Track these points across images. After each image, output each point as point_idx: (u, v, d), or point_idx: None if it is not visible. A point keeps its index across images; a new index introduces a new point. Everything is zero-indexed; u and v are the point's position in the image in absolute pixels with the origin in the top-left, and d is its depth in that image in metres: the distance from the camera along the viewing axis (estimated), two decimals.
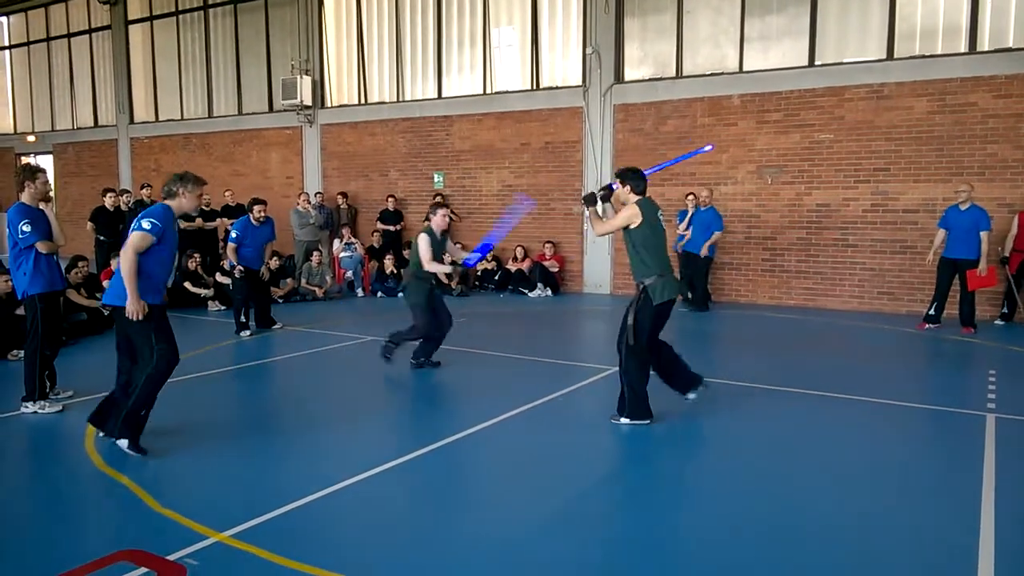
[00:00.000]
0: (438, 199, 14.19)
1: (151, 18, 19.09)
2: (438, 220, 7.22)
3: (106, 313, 7.77)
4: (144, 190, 13.64)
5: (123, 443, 4.86)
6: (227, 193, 14.29)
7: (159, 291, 4.99)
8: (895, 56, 11.02)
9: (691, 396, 5.83)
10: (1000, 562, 3.49)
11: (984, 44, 10.54)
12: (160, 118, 19.23)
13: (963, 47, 10.64)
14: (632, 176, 5.56)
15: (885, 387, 6.73)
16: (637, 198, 5.54)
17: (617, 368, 5.75)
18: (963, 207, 9.44)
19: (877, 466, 4.84)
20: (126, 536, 3.80)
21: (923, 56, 10.84)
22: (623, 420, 5.58)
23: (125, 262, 4.73)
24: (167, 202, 4.99)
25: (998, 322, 10.11)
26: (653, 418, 5.56)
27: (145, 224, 4.77)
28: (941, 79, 10.63)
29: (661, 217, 5.61)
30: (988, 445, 5.15)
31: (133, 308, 4.74)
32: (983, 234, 9.23)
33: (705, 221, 11.25)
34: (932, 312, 9.72)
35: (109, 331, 9.37)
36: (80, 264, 9.67)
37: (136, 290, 4.75)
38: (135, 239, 4.75)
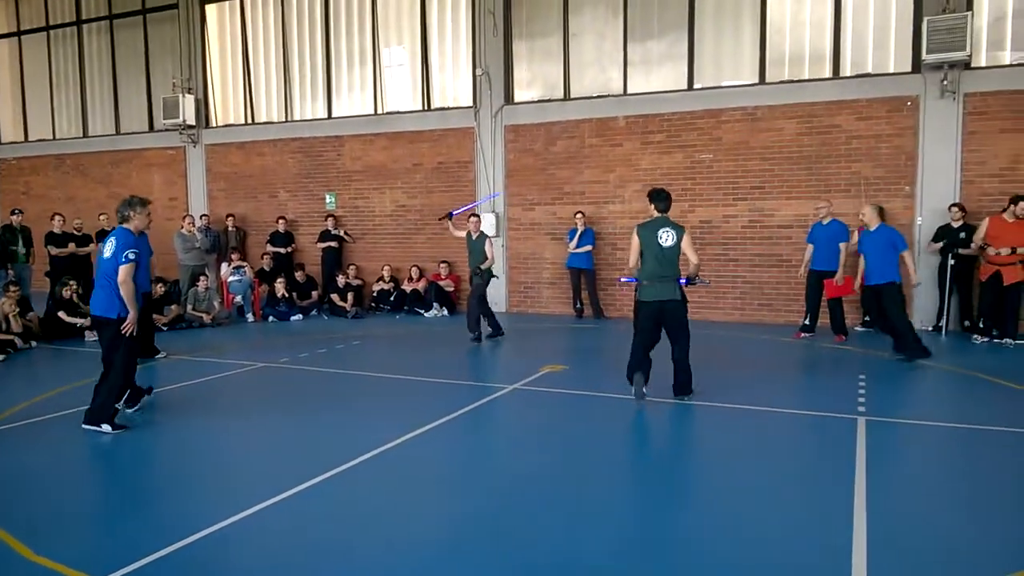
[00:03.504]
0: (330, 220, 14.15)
1: (19, 33, 18.06)
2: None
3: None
4: (15, 216, 12.86)
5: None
6: (102, 217, 13.69)
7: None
8: (767, 81, 11.68)
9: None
10: (873, 558, 3.72)
11: (846, 70, 11.32)
12: (30, 138, 18.18)
13: (828, 72, 11.40)
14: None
15: (762, 395, 7.07)
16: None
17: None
18: (824, 222, 10.09)
19: (751, 471, 5.07)
20: None
21: (792, 81, 11.54)
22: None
23: (129, 289, 5.83)
24: (124, 226, 6.04)
25: (858, 328, 10.80)
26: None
27: (131, 255, 5.83)
28: (808, 103, 11.34)
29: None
30: (859, 446, 5.47)
31: (133, 321, 5.94)
32: (841, 245, 9.85)
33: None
34: (807, 322, 10.31)
35: None
36: None
37: (136, 308, 5.96)
38: (129, 271, 5.82)
